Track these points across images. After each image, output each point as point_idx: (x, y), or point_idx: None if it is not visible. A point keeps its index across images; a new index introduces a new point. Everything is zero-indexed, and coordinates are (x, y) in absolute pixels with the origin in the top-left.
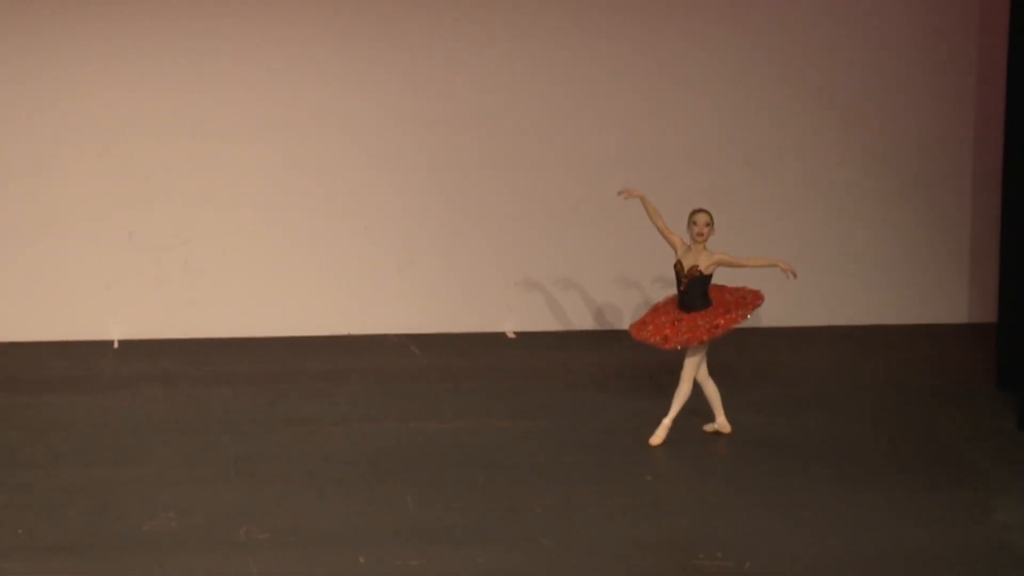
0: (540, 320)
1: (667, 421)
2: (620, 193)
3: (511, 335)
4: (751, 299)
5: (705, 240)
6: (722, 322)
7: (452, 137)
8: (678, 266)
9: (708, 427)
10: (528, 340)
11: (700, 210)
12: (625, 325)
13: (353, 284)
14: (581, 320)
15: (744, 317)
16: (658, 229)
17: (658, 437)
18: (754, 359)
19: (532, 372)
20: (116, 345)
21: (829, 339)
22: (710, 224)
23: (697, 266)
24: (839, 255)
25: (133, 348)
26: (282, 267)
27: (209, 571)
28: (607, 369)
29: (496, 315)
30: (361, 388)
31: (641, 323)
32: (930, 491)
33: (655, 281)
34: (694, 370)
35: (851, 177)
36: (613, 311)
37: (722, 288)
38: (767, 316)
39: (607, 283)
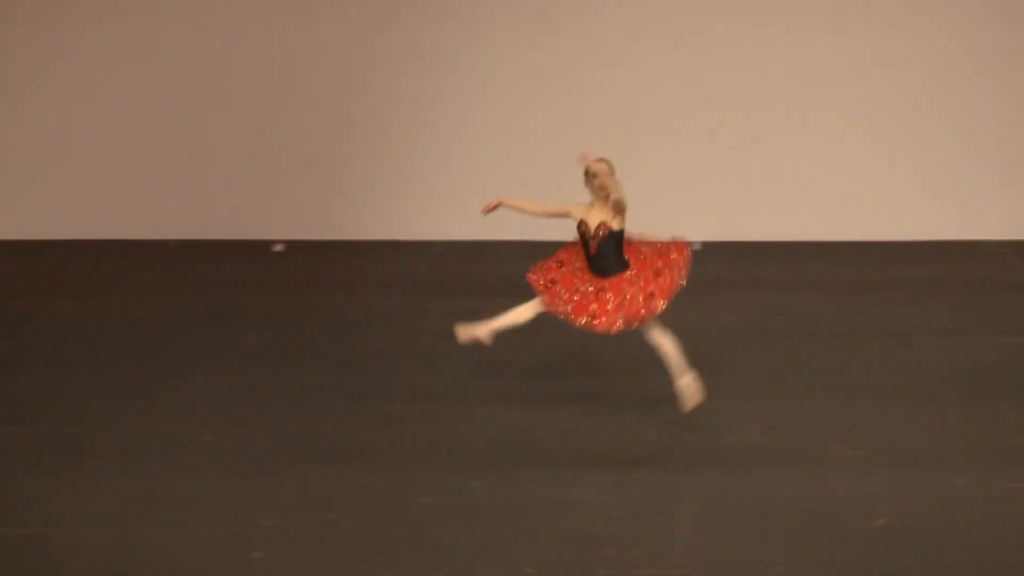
0: None
1: (493, 324)
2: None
3: None
4: (677, 254)
5: (609, 194)
6: (655, 290)
7: None
8: (583, 226)
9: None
10: None
11: (598, 160)
12: None
13: (949, 188)
14: None
15: (679, 281)
16: (541, 215)
17: (481, 331)
18: None
19: None
20: (697, 247)
21: None
22: (613, 174)
23: (605, 222)
24: None
25: (715, 250)
26: (872, 168)
27: (795, 488)
28: None
29: None
30: (958, 298)
31: (549, 283)
32: None
33: None
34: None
35: None
36: None
37: (638, 244)
38: None
39: None
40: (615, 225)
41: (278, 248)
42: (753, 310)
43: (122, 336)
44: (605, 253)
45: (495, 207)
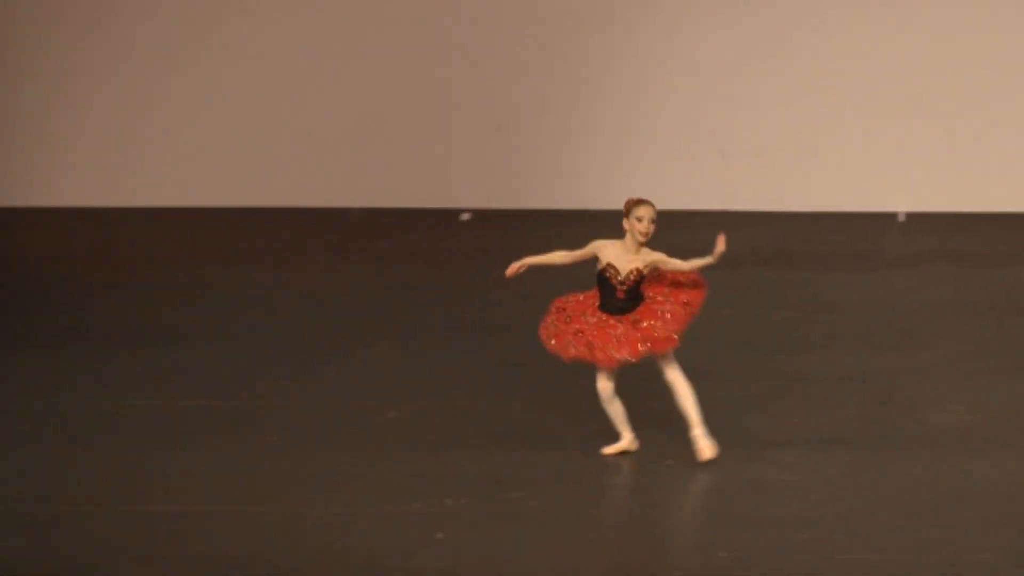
0: None
1: (698, 432)
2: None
3: None
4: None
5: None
6: (687, 298)
7: None
8: (609, 271)
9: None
10: None
11: (645, 201)
12: None
13: None
14: None
15: (702, 297)
16: (570, 262)
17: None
18: None
19: None
20: (902, 218)
21: None
22: (656, 220)
23: (637, 268)
24: None
25: (921, 222)
26: None
27: (1003, 471)
28: None
29: None
30: None
31: (586, 348)
32: None
33: None
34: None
35: None
36: None
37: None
38: None
39: None
40: (646, 271)
41: (465, 217)
42: (959, 283)
43: (300, 306)
44: (631, 298)
45: (519, 269)
